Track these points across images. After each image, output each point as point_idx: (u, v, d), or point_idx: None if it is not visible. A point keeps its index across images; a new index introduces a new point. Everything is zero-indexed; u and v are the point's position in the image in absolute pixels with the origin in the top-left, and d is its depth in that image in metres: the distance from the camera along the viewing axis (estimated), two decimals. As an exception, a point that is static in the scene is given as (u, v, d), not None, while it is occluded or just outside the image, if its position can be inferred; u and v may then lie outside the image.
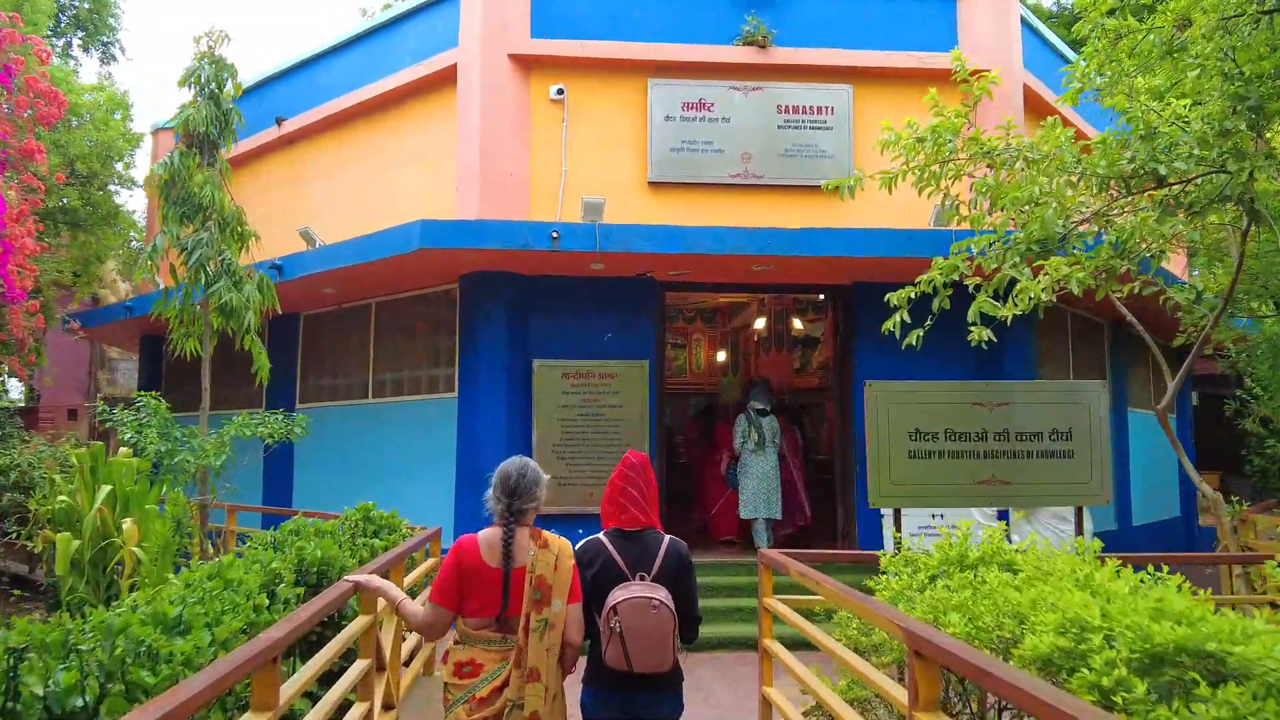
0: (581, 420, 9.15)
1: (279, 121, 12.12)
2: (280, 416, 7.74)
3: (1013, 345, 9.47)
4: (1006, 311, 6.29)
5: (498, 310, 9.14)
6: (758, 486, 9.94)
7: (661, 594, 3.10)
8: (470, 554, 3.09)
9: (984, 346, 6.82)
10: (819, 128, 9.61)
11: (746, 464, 9.97)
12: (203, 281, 7.70)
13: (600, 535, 3.34)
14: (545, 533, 3.17)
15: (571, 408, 9.15)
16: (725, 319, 22.13)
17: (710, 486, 10.91)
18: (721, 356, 21.58)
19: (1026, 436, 3.99)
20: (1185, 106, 6.73)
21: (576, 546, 3.31)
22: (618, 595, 3.09)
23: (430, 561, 5.97)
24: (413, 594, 5.67)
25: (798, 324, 18.60)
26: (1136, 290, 7.93)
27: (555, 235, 8.21)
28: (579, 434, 9.13)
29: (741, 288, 10.05)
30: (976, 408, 3.94)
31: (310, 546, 4.46)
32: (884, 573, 3.51)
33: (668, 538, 3.33)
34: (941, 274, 6.61)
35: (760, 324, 18.20)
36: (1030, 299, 6.29)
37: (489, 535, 3.13)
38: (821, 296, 14.44)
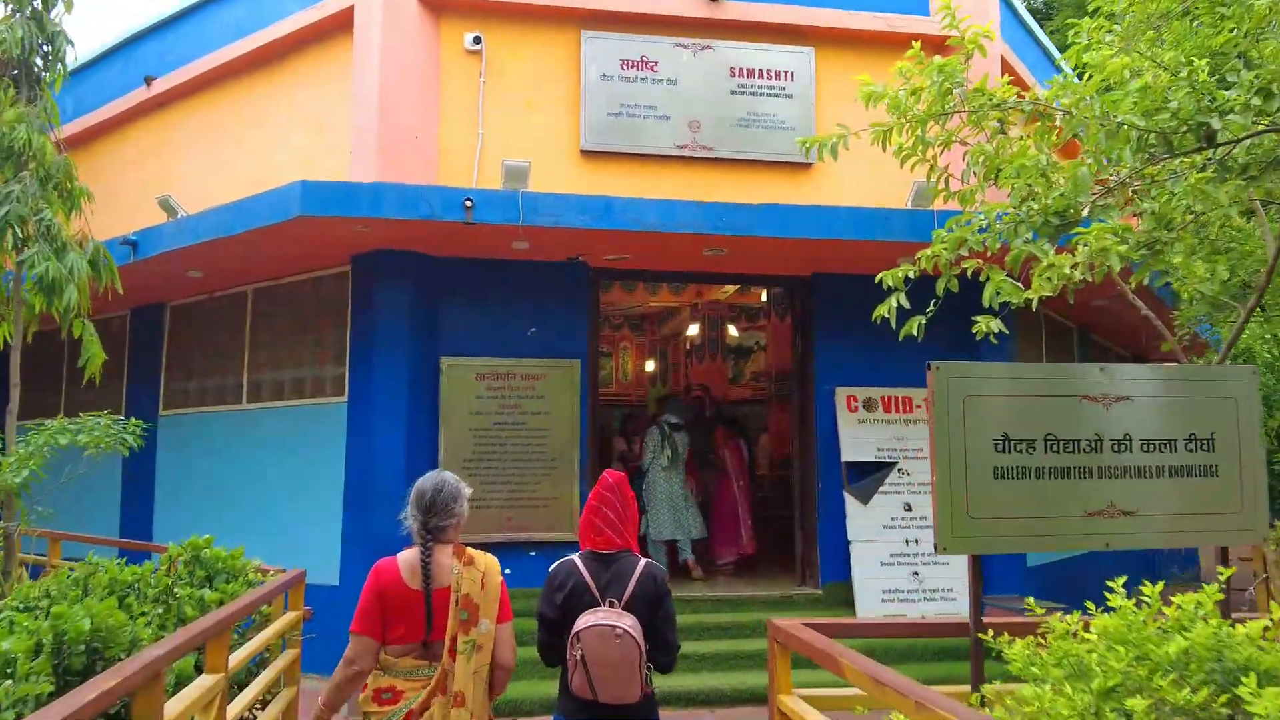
0: (499, 430, 7.66)
1: (148, 81, 10.35)
2: (105, 422, 6.06)
3: (988, 348, 8.33)
4: (1032, 294, 5.07)
5: (399, 298, 7.60)
6: (668, 506, 8.83)
7: (628, 622, 2.99)
8: (390, 577, 2.95)
9: (993, 340, 5.62)
10: (777, 95, 8.36)
11: (655, 482, 8.87)
12: (10, 246, 6.00)
13: (574, 557, 3.23)
14: (470, 549, 3.05)
15: (487, 415, 7.66)
16: (655, 326, 21.17)
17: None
18: (651, 366, 20.62)
19: (1154, 446, 2.71)
20: (1204, 67, 5.60)
21: (550, 567, 3.25)
22: (583, 621, 2.99)
23: (290, 616, 4.42)
24: (254, 669, 4.12)
25: (733, 331, 17.65)
26: (1145, 280, 6.89)
27: (469, 203, 6.74)
28: (496, 446, 7.64)
29: (688, 277, 8.72)
30: (1087, 403, 2.65)
31: (78, 612, 2.91)
32: (1025, 684, 2.13)
33: (643, 562, 3.21)
34: (947, 248, 5.37)
35: (694, 330, 17.06)
36: (1056, 280, 5.09)
37: (409, 556, 3.00)
38: (765, 297, 13.28)
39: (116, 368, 10.40)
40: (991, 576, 7.98)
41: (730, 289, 15.25)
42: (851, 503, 7.91)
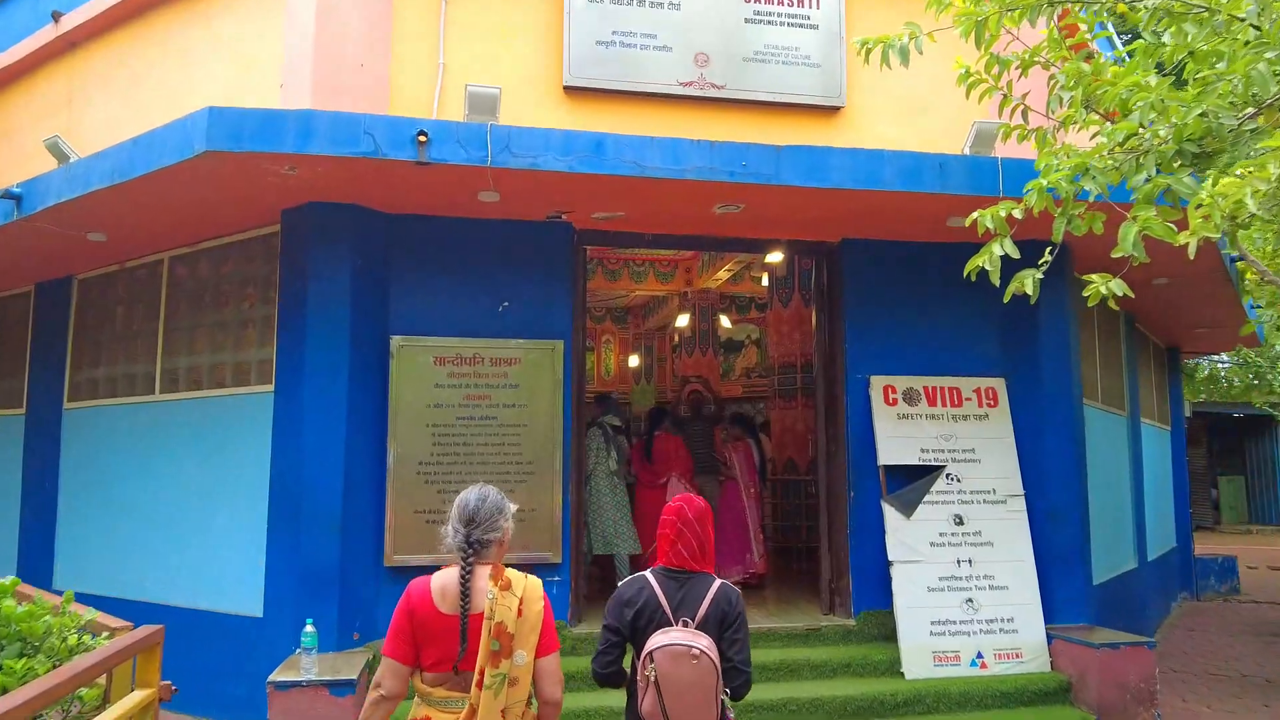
0: (463, 426, 6.22)
1: (56, 17, 8.82)
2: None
3: (1049, 323, 7.03)
4: (1189, 236, 3.71)
5: (339, 263, 6.14)
6: (615, 516, 7.66)
7: (704, 642, 2.88)
8: (421, 600, 2.74)
9: (1112, 305, 4.26)
10: (799, 25, 6.97)
11: (600, 491, 7.65)
12: None
13: (646, 573, 3.13)
14: (510, 571, 2.82)
15: (448, 408, 6.22)
16: (639, 318, 20.08)
17: (651, 518, 8.11)
18: (635, 361, 19.51)
19: None
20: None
21: (621, 582, 3.17)
22: (656, 640, 2.89)
23: (134, 699, 2.97)
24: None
25: (725, 322, 16.51)
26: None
27: (423, 138, 5.30)
28: (459, 446, 6.20)
29: (693, 243, 7.28)
30: None
31: None
32: None
33: (718, 582, 3.11)
34: (1065, 176, 4.00)
35: (683, 322, 15.85)
36: (1219, 218, 3.73)
37: (444, 577, 2.78)
38: (765, 281, 11.99)
39: (19, 354, 8.90)
40: (1054, 598, 6.67)
41: (723, 275, 14.01)
42: (891, 515, 6.54)
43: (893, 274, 6.97)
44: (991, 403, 6.92)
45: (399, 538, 6.02)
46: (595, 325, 19.74)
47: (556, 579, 6.20)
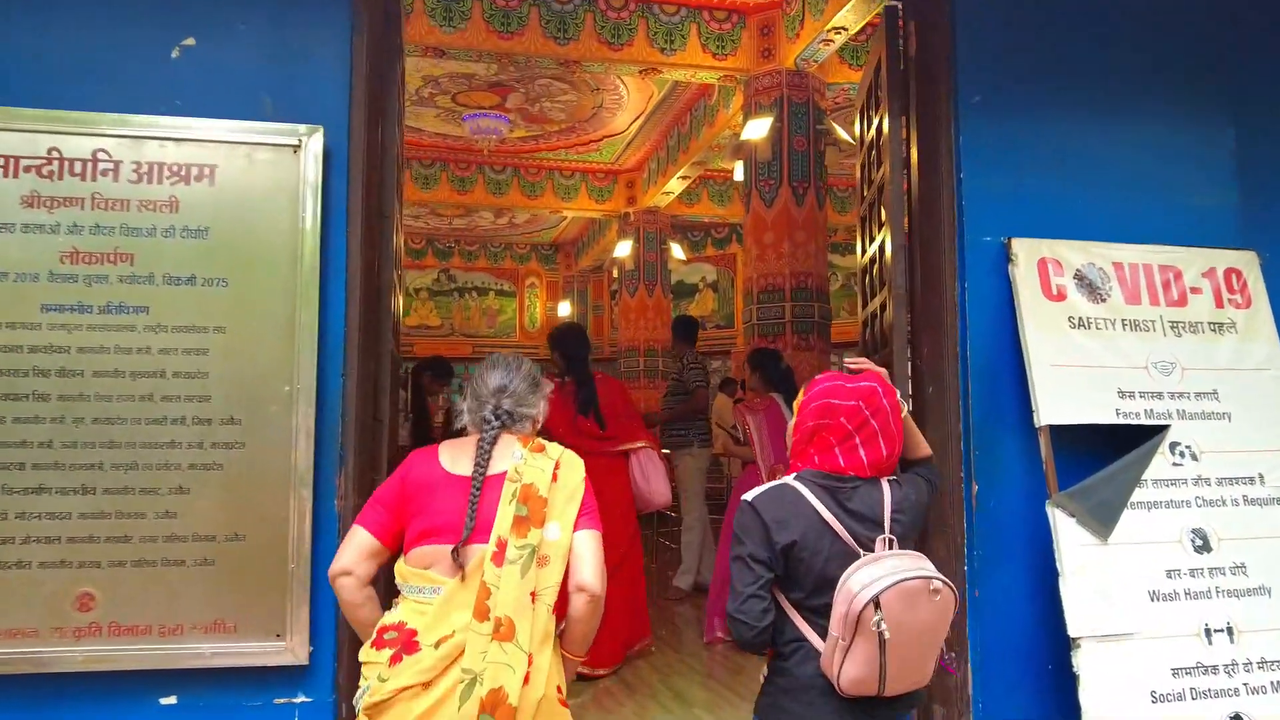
0: (59, 334, 2.48)
1: None
2: None
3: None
4: None
5: None
6: None
7: (930, 566, 1.94)
8: (424, 459, 2.09)
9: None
10: None
11: None
12: None
13: (790, 480, 2.03)
14: (544, 441, 2.14)
15: (23, 283, 2.48)
16: (570, 257, 16.84)
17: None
18: (565, 309, 16.46)
19: None
20: None
21: (752, 495, 2.01)
22: (872, 575, 1.85)
23: None
24: None
25: (677, 252, 13.26)
26: None
27: None
28: (49, 381, 2.48)
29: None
30: None
31: None
32: None
33: (885, 479, 2.05)
34: None
35: (624, 251, 12.64)
36: None
37: (458, 441, 2.13)
38: (739, 172, 8.63)
39: None
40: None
41: (676, 187, 11.13)
42: (1070, 535, 2.97)
43: (1044, 45, 3.41)
44: (1239, 300, 3.40)
45: None
46: (519, 266, 16.52)
47: (297, 699, 2.55)
